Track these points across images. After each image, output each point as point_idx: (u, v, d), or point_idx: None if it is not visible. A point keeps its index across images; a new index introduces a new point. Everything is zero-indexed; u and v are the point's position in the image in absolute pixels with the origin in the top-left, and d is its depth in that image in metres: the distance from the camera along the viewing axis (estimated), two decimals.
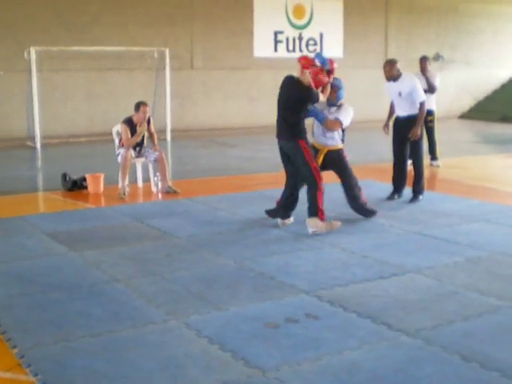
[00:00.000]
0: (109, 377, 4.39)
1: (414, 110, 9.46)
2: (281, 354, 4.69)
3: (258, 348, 4.79)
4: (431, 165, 13.02)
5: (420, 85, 9.64)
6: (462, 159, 14.41)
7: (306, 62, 7.83)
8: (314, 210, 7.82)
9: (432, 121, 12.74)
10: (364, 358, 4.66)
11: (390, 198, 9.87)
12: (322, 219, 7.84)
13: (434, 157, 13.14)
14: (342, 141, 8.57)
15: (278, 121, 8.03)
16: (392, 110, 10.15)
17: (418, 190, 9.75)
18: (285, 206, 8.29)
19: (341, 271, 6.55)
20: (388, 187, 10.04)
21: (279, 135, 8.04)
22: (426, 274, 6.49)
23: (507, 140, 18.53)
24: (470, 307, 5.62)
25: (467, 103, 25.42)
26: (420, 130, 9.55)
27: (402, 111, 9.64)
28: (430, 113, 12.24)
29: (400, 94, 9.52)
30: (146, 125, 10.33)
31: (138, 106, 10.33)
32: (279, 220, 8.28)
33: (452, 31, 25.04)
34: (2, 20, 17.48)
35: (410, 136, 9.45)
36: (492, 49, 25.81)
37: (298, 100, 7.87)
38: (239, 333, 5.06)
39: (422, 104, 9.45)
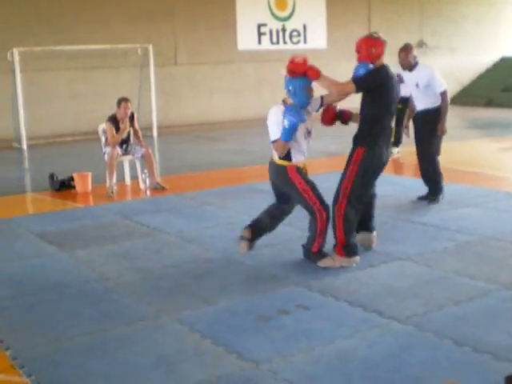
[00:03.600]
0: (102, 375, 4.39)
1: (433, 103, 8.68)
2: (273, 345, 4.71)
3: (250, 341, 4.80)
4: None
5: (438, 73, 8.76)
6: (449, 145, 14.36)
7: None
8: None
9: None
10: (356, 346, 4.68)
11: (423, 198, 8.94)
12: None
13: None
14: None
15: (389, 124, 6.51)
16: (412, 106, 9.17)
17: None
18: None
19: None
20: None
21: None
22: (415, 260, 6.52)
23: (493, 124, 18.59)
24: (461, 292, 5.65)
25: (453, 89, 25.43)
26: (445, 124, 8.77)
27: (419, 105, 8.83)
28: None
29: (417, 86, 8.68)
30: (128, 121, 10.30)
31: (119, 102, 10.32)
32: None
33: (435, 19, 25.08)
34: None
35: (439, 133, 8.69)
36: (475, 34, 25.87)
37: None
38: (231, 326, 5.07)
39: (443, 94, 8.68)
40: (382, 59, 6.45)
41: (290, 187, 6.42)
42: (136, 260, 6.82)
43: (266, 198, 9.04)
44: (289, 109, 6.10)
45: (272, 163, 6.49)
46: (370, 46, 6.41)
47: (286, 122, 6.06)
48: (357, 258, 6.47)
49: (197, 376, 4.33)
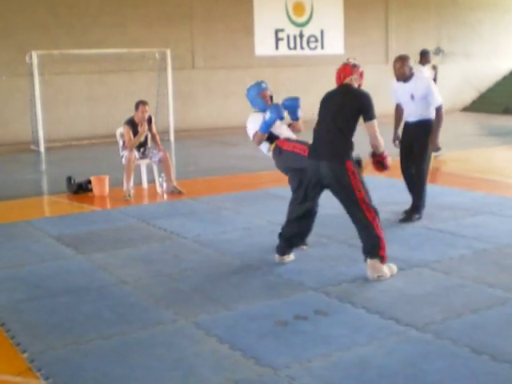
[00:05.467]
0: (119, 379, 4.40)
1: (427, 115, 8.23)
2: (291, 351, 4.70)
3: (267, 346, 4.80)
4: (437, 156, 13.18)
5: (435, 87, 8.35)
6: (465, 152, 14.40)
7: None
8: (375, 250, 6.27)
9: None
10: (374, 353, 4.67)
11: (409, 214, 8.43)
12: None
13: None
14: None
15: (321, 137, 6.38)
16: (398, 116, 8.73)
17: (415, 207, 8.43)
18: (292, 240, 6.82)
19: (348, 267, 6.56)
20: (391, 182, 10.02)
21: (321, 154, 6.32)
22: (432, 267, 6.49)
23: (510, 132, 18.51)
24: (479, 300, 5.62)
25: (469, 96, 25.39)
26: (438, 140, 8.39)
27: (411, 116, 8.37)
28: None
29: (413, 97, 8.21)
30: (146, 125, 10.32)
31: (137, 105, 10.36)
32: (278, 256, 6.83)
33: (451, 24, 25.03)
34: (2, 24, 17.51)
35: (430, 147, 8.24)
36: (492, 40, 25.79)
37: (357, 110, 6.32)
38: (248, 331, 5.07)
39: (439, 108, 8.19)
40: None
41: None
42: (153, 264, 6.84)
43: (281, 203, 9.05)
44: (272, 106, 7.18)
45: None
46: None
47: (267, 116, 7.10)
48: None
49: (214, 380, 4.33)
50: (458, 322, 5.17)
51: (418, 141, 8.24)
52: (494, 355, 4.56)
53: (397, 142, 8.68)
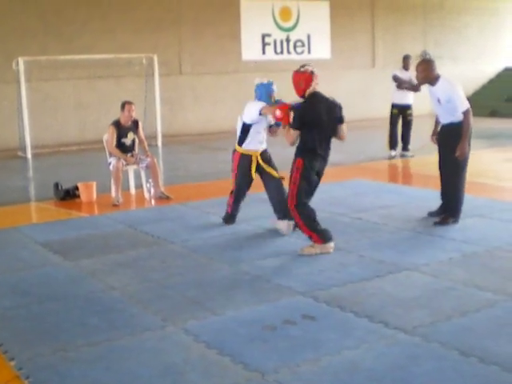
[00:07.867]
0: None
1: (456, 119, 8.04)
2: (279, 356, 4.69)
3: (256, 351, 4.78)
4: (403, 155, 14.24)
5: (461, 91, 8.12)
6: None
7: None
8: None
9: (411, 114, 14.15)
10: (363, 357, 4.66)
11: (434, 214, 8.58)
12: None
13: (406, 148, 14.32)
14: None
15: (325, 142, 7.17)
16: (437, 119, 8.60)
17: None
18: None
19: (337, 271, 6.55)
20: (380, 185, 10.04)
21: (327, 158, 7.28)
22: (422, 270, 6.50)
23: (497, 135, 18.58)
24: (468, 302, 5.63)
25: None
26: (467, 146, 8.10)
27: (442, 119, 8.32)
28: (409, 107, 14.09)
29: (439, 101, 8.13)
30: (133, 159, 10.42)
31: (123, 105, 10.33)
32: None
33: (438, 28, 25.13)
34: None
35: (457, 155, 8.00)
36: (478, 44, 25.91)
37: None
38: (237, 336, 5.05)
39: (465, 113, 7.96)
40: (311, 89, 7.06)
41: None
42: (141, 269, 6.81)
43: (269, 208, 9.06)
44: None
45: None
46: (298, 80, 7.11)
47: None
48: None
49: None
50: (446, 325, 5.17)
51: (447, 145, 8.16)
52: (483, 358, 4.56)
53: (433, 137, 8.63)
